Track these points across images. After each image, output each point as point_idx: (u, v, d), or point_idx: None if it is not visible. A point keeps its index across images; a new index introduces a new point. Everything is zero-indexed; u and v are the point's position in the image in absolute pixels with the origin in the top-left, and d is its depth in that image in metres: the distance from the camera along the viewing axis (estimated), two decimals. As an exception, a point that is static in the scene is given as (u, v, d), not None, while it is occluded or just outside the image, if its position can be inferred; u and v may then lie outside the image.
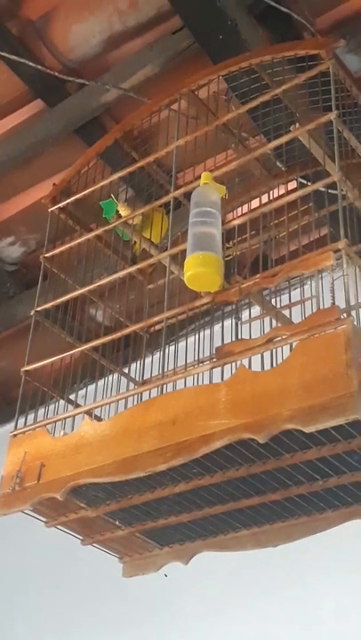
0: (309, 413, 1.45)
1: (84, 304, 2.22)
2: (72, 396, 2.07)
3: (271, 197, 2.08)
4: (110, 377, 2.09)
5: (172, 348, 1.92)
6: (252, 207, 1.95)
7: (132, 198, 2.28)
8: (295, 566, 2.40)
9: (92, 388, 2.06)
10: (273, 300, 1.96)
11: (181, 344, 1.90)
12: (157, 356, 1.81)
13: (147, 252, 2.07)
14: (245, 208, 1.99)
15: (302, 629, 2.39)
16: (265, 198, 2.11)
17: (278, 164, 2.12)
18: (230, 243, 1.97)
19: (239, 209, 2.07)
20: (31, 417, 1.94)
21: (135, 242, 2.09)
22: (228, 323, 1.83)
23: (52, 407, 2.00)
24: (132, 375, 2.12)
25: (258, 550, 1.92)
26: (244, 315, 1.96)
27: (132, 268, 1.96)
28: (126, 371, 2.12)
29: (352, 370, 1.43)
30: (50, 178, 2.65)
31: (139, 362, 2.11)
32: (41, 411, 1.97)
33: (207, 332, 1.91)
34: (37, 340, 2.04)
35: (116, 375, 2.07)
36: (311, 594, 2.41)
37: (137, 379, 2.11)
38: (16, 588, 3.21)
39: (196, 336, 1.97)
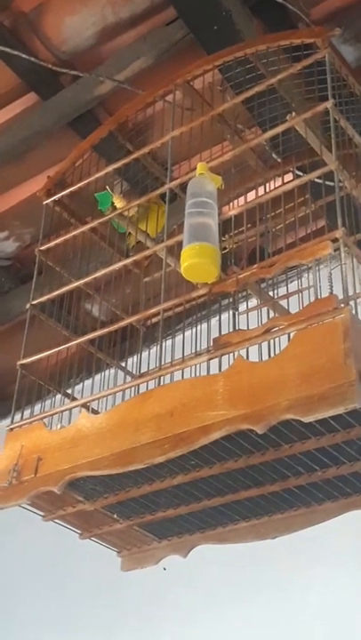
0: (308, 403, 1.44)
1: (80, 298, 2.21)
2: (69, 391, 2.06)
3: (268, 189, 2.07)
4: (108, 371, 2.08)
5: (170, 341, 1.92)
6: (248, 199, 1.94)
7: (128, 191, 2.28)
8: (294, 558, 2.40)
9: (89, 382, 2.05)
10: (271, 292, 1.95)
11: (179, 337, 1.89)
12: (155, 349, 1.80)
13: (142, 244, 2.06)
14: (242, 200, 1.98)
15: (301, 622, 2.38)
16: (262, 190, 2.10)
17: (274, 154, 2.11)
18: (227, 235, 1.96)
19: (236, 201, 2.06)
20: (28, 411, 1.93)
21: (130, 233, 2.07)
22: (225, 315, 1.83)
23: (49, 401, 1.99)
24: (130, 369, 2.11)
25: (257, 542, 1.91)
26: (242, 306, 1.96)
27: (128, 261, 1.95)
28: (124, 365, 2.11)
29: (350, 359, 1.42)
30: (44, 171, 2.63)
31: (136, 356, 2.10)
32: (38, 405, 1.96)
33: (205, 325, 1.90)
34: (34, 335, 2.03)
35: (113, 369, 2.06)
36: (311, 586, 2.41)
37: (134, 372, 2.10)
38: (14, 582, 3.20)
39: (194, 329, 1.96)
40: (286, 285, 1.87)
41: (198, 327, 1.94)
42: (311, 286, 1.64)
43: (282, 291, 2.07)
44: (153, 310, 1.82)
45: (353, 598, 2.34)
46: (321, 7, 2.33)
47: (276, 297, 1.90)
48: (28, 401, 1.96)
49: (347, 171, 1.77)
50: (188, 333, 1.92)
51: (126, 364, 2.14)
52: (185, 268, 1.68)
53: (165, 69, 2.30)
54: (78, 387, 2.17)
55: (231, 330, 1.71)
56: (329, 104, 1.69)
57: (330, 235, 1.58)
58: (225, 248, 1.98)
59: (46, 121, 2.51)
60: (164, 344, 1.85)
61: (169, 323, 1.99)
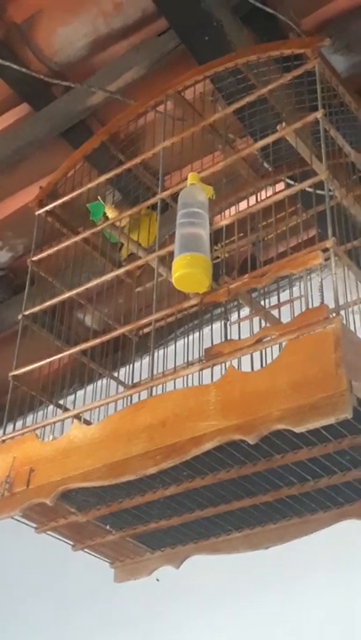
0: (299, 413, 1.44)
1: (72, 308, 2.21)
2: (62, 402, 2.06)
3: (260, 199, 2.08)
4: (100, 381, 2.08)
5: (162, 351, 1.92)
6: (240, 208, 1.94)
7: (120, 201, 2.28)
8: (288, 568, 2.39)
9: (82, 393, 2.04)
10: (263, 302, 1.95)
11: (171, 347, 1.89)
12: (147, 359, 1.79)
13: (134, 254, 2.06)
14: (234, 210, 1.98)
15: (295, 632, 2.37)
16: (254, 200, 2.11)
17: (265, 164, 2.12)
18: (218, 245, 1.97)
19: (227, 210, 2.06)
20: (21, 423, 1.93)
21: (122, 244, 2.07)
22: (217, 325, 1.83)
23: (41, 413, 1.98)
24: (123, 379, 2.11)
25: (250, 553, 1.90)
26: (234, 317, 1.96)
27: (120, 271, 1.94)
28: (117, 375, 2.11)
29: (341, 369, 1.42)
30: (36, 182, 2.62)
31: (129, 366, 2.10)
32: (30, 416, 1.95)
33: (197, 335, 1.90)
34: (27, 346, 2.02)
35: (105, 380, 2.06)
36: (304, 596, 2.40)
37: (127, 383, 2.10)
38: (8, 595, 3.19)
39: (186, 339, 1.96)
40: (278, 295, 1.87)
41: (190, 337, 1.94)
42: (302, 296, 1.64)
43: (274, 300, 2.07)
44: (145, 320, 1.83)
45: (347, 607, 2.33)
46: (312, 17, 2.33)
47: (268, 307, 1.90)
48: (20, 412, 1.95)
49: (338, 180, 1.77)
50: (180, 343, 1.92)
51: (119, 374, 2.13)
52: (176, 279, 1.68)
53: (157, 80, 2.30)
54: (71, 397, 2.17)
55: (223, 340, 1.71)
56: (319, 114, 1.70)
57: (320, 244, 1.58)
58: (217, 257, 1.98)
59: (38, 131, 2.51)
60: (156, 354, 1.85)
61: (161, 333, 1.99)
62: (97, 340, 1.88)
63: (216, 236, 1.85)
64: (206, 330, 1.91)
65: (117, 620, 2.78)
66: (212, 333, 1.84)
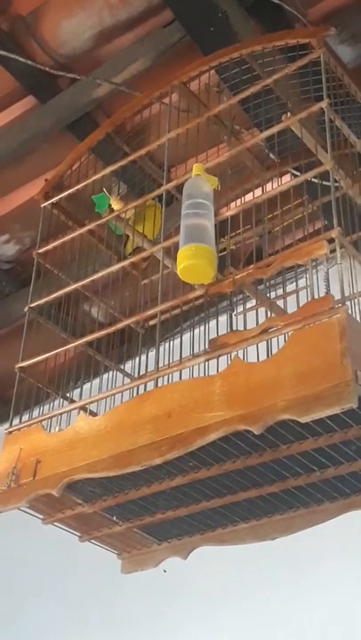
0: (304, 403, 1.43)
1: (79, 301, 2.21)
2: (70, 395, 2.06)
3: (266, 190, 2.07)
4: (108, 374, 2.08)
5: (169, 344, 1.92)
6: (246, 200, 1.93)
7: (127, 193, 2.28)
8: (295, 559, 2.39)
9: (89, 386, 2.05)
10: (272, 294, 1.95)
11: (177, 340, 1.89)
12: (154, 352, 1.79)
13: (140, 246, 2.06)
14: (240, 201, 1.98)
15: (302, 623, 2.38)
16: (260, 191, 2.10)
17: (271, 155, 2.11)
18: (224, 237, 1.96)
19: (234, 202, 2.05)
20: (28, 415, 1.93)
21: (128, 237, 2.07)
22: (223, 318, 1.83)
23: (48, 405, 1.99)
24: (131, 372, 2.11)
25: (257, 544, 1.90)
26: (241, 308, 1.96)
27: (125, 262, 1.94)
28: (126, 368, 2.11)
29: (347, 359, 1.42)
30: (43, 174, 2.62)
31: (136, 358, 2.10)
32: (37, 408, 1.95)
33: (203, 327, 1.90)
34: (34, 339, 2.03)
35: (112, 372, 2.06)
36: (311, 587, 2.40)
37: (134, 375, 2.10)
38: (15, 586, 3.20)
39: (192, 332, 1.96)
40: (283, 287, 1.86)
41: (198, 329, 1.94)
42: (308, 286, 1.63)
43: (282, 292, 2.06)
44: (150, 312, 1.82)
45: (355, 598, 2.33)
46: (318, 8, 2.32)
47: (273, 297, 1.89)
48: (27, 404, 1.96)
49: (343, 170, 1.76)
50: (187, 336, 1.92)
51: (125, 366, 2.14)
52: (181, 270, 1.68)
53: (163, 71, 2.30)
54: (79, 390, 2.17)
55: (228, 329, 1.71)
56: (324, 104, 1.69)
57: (326, 234, 1.57)
58: (224, 249, 1.98)
59: (44, 124, 2.51)
60: (164, 346, 1.85)
61: (168, 325, 1.99)
62: (102, 332, 1.88)
63: (223, 228, 1.85)
64: (213, 322, 1.91)
65: (125, 611, 2.79)
66: (218, 325, 1.84)
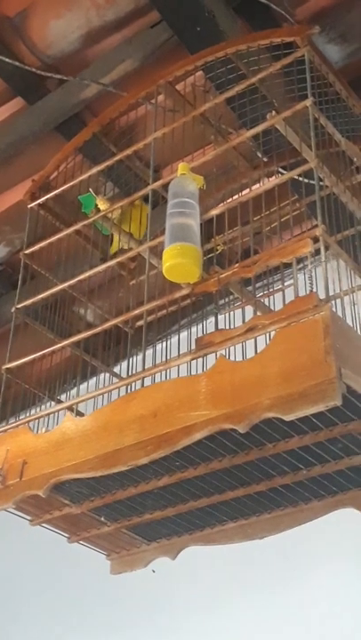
0: (289, 401, 1.43)
1: (70, 302, 2.20)
2: (62, 397, 2.06)
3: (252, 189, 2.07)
4: (100, 376, 2.07)
5: (160, 345, 1.91)
6: (233, 199, 1.93)
7: (115, 194, 2.27)
8: (284, 558, 2.39)
9: (81, 388, 2.04)
10: (260, 294, 1.95)
11: (171, 341, 1.88)
12: (147, 353, 1.79)
13: (125, 247, 2.05)
14: (229, 201, 1.98)
15: (296, 622, 2.37)
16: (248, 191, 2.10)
17: (259, 154, 2.11)
18: (212, 240, 1.96)
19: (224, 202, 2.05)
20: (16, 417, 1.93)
21: (114, 237, 2.07)
22: (211, 318, 1.83)
23: (37, 407, 1.98)
24: (124, 374, 2.10)
25: (246, 543, 1.90)
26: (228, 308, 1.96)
27: (112, 262, 1.94)
28: (117, 370, 2.11)
29: (331, 356, 1.42)
30: (32, 176, 2.60)
31: (129, 359, 2.09)
32: (26, 410, 1.95)
33: (193, 328, 1.90)
34: (25, 341, 2.02)
35: (103, 375, 2.06)
36: (302, 585, 2.40)
37: (124, 376, 2.09)
38: (5, 589, 3.20)
39: (179, 333, 1.96)
40: (268, 285, 1.86)
41: (189, 330, 1.94)
42: (292, 285, 1.63)
43: (268, 291, 2.06)
44: (137, 312, 1.82)
45: (349, 597, 2.33)
46: (306, 7, 2.32)
47: (260, 296, 1.89)
48: (16, 407, 1.95)
49: (333, 170, 1.76)
50: (175, 339, 1.92)
51: (121, 368, 2.13)
52: (166, 269, 1.68)
53: (151, 72, 2.29)
54: (72, 393, 2.17)
55: (214, 327, 1.71)
56: (308, 102, 1.69)
57: (309, 232, 1.57)
58: (216, 250, 1.98)
59: (33, 125, 2.50)
60: (154, 348, 1.85)
61: (158, 327, 1.99)
62: (89, 332, 1.88)
63: (209, 228, 1.85)
64: (205, 322, 1.92)
65: (115, 613, 2.79)
66: (206, 326, 1.84)
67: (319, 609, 2.36)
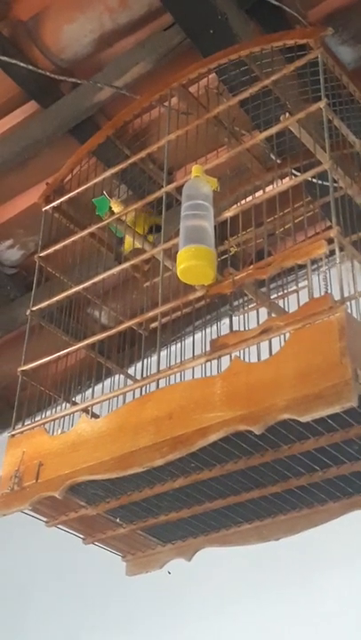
0: (304, 403, 1.43)
1: (84, 305, 2.21)
2: (77, 399, 2.06)
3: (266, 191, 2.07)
4: (115, 378, 2.08)
5: (175, 347, 1.92)
6: (247, 201, 1.93)
7: (130, 196, 2.28)
8: (299, 560, 2.39)
9: (96, 389, 2.05)
10: (274, 296, 1.95)
11: (185, 342, 1.89)
12: (162, 353, 1.79)
13: (140, 249, 2.06)
14: (242, 203, 1.98)
15: (307, 624, 2.37)
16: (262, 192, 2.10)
17: (273, 156, 2.11)
18: (225, 242, 1.97)
19: (237, 204, 2.05)
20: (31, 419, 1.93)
21: (126, 238, 2.07)
22: (225, 320, 1.83)
23: (52, 409, 1.99)
24: (138, 375, 2.11)
25: (261, 545, 1.90)
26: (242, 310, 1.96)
27: (126, 264, 1.94)
28: (131, 371, 2.11)
29: (346, 358, 1.42)
30: (46, 179, 2.62)
31: (144, 360, 2.10)
32: (42, 412, 1.96)
33: (207, 330, 1.90)
34: (40, 344, 2.03)
35: (117, 376, 2.06)
36: (316, 588, 2.39)
37: (139, 378, 2.09)
38: (20, 589, 3.21)
39: (194, 334, 1.96)
40: (283, 287, 1.86)
41: (203, 331, 1.94)
42: (306, 286, 1.63)
43: (283, 292, 2.06)
44: (151, 314, 1.82)
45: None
46: (318, 9, 2.32)
47: (274, 298, 1.90)
48: (32, 408, 1.96)
49: (344, 170, 1.76)
50: (189, 340, 1.92)
51: (135, 369, 2.13)
52: (181, 271, 1.68)
53: (164, 74, 2.30)
54: (87, 394, 2.17)
55: (229, 329, 1.71)
56: (322, 104, 1.69)
57: (324, 234, 1.57)
58: (228, 250, 1.98)
59: (47, 129, 2.52)
60: (169, 349, 1.85)
61: (172, 328, 1.99)
62: (103, 335, 1.88)
63: (223, 230, 1.85)
64: (219, 323, 1.92)
65: (130, 614, 2.79)
66: (220, 327, 1.84)
67: (330, 610, 2.36)
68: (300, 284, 1.80)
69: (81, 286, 1.97)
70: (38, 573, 3.16)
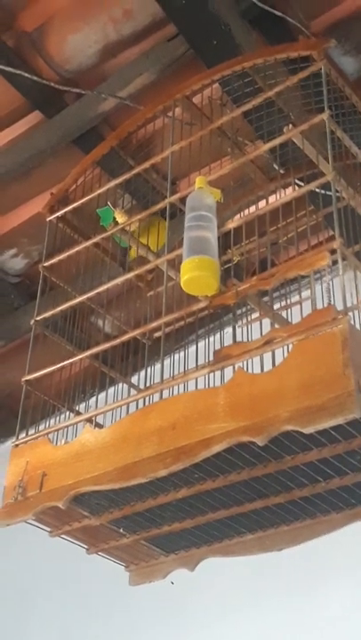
0: (308, 414, 1.44)
1: (88, 314, 2.22)
2: (80, 408, 2.07)
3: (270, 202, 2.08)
4: (118, 387, 2.08)
5: (178, 356, 1.92)
6: (250, 212, 1.94)
7: (133, 207, 2.29)
8: (301, 569, 2.39)
9: (99, 399, 2.05)
10: (277, 306, 1.95)
11: (187, 351, 1.89)
12: (165, 363, 1.80)
13: (144, 258, 2.07)
14: (246, 213, 1.99)
15: (309, 633, 2.37)
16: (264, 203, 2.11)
17: (275, 166, 2.12)
18: (228, 251, 1.97)
19: (241, 214, 2.06)
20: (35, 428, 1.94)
21: (130, 247, 2.08)
22: (229, 330, 1.83)
23: (56, 418, 1.99)
24: (142, 384, 2.11)
25: (264, 555, 1.90)
26: (245, 321, 1.96)
27: (130, 275, 1.95)
28: (135, 380, 2.11)
29: (349, 369, 1.42)
30: (50, 189, 2.63)
31: (147, 370, 2.10)
32: (45, 422, 1.96)
33: (210, 340, 1.91)
34: (43, 353, 2.04)
35: (120, 385, 2.07)
36: (318, 597, 2.39)
37: (142, 387, 2.10)
38: (23, 598, 3.21)
39: (197, 344, 1.96)
40: (286, 298, 1.87)
41: (205, 341, 1.95)
42: (310, 297, 1.63)
43: (286, 303, 2.07)
44: (154, 324, 1.83)
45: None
46: (321, 19, 2.33)
47: (277, 309, 1.90)
48: (35, 418, 1.96)
49: (347, 182, 1.77)
50: (192, 349, 1.93)
51: (139, 378, 2.14)
52: (185, 282, 1.69)
53: (168, 85, 2.31)
54: (90, 403, 2.18)
55: (232, 340, 1.72)
56: (325, 115, 1.70)
57: (327, 245, 1.58)
58: (233, 261, 1.99)
59: (51, 139, 2.53)
60: (171, 359, 1.86)
61: (174, 337, 1.99)
62: (107, 345, 1.89)
63: (226, 240, 1.86)
64: (222, 333, 1.92)
65: (133, 624, 2.79)
66: (224, 337, 1.84)
67: (333, 619, 2.36)
68: (302, 294, 1.80)
69: (85, 296, 1.98)
70: (42, 583, 3.17)
